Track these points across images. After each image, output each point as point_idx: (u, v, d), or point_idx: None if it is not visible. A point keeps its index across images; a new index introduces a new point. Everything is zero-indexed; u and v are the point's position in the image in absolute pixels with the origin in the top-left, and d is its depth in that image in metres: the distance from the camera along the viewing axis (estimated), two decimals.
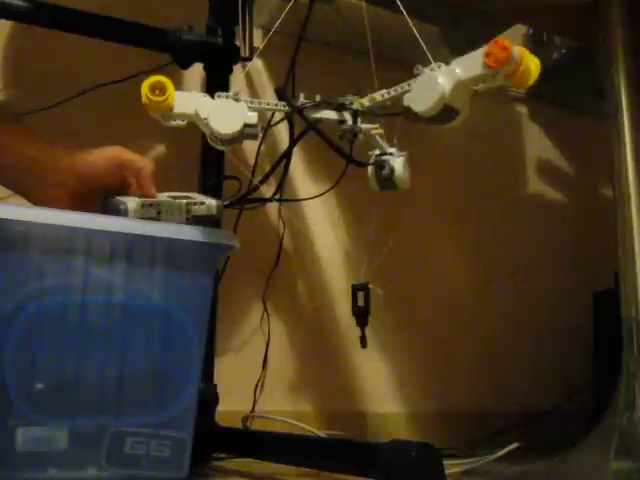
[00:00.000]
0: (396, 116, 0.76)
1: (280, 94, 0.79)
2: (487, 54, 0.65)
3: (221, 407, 1.03)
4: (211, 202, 0.78)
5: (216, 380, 1.05)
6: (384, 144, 0.79)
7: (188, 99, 0.72)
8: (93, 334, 0.67)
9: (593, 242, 1.55)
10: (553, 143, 1.67)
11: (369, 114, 0.79)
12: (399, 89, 0.74)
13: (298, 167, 1.33)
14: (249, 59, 1.08)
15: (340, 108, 0.79)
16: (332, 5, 1.25)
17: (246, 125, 0.72)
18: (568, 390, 1.41)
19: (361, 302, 0.86)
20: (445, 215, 1.50)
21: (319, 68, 1.30)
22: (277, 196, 1.09)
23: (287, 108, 0.78)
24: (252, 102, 0.75)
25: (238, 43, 1.09)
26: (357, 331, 0.90)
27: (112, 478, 0.68)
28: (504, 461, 0.99)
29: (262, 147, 1.20)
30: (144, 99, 0.68)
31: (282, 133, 1.25)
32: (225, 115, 0.71)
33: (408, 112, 0.71)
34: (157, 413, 0.69)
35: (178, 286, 0.71)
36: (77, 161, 0.75)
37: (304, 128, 0.80)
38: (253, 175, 1.12)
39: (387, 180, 0.78)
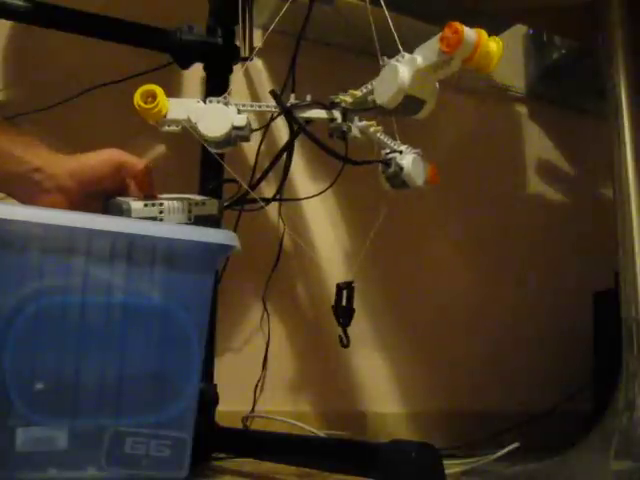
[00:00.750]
0: (370, 111, 0.76)
1: (274, 96, 0.80)
2: (441, 39, 0.64)
3: (221, 407, 1.03)
4: (212, 202, 0.78)
5: (216, 380, 1.05)
6: (392, 142, 0.79)
7: (181, 105, 0.73)
8: (93, 334, 0.67)
9: (593, 242, 1.54)
10: (553, 143, 1.67)
11: (353, 110, 0.79)
12: (374, 83, 0.74)
13: (297, 167, 1.33)
14: (249, 59, 1.08)
15: (330, 107, 0.79)
16: (332, 5, 1.25)
17: (235, 127, 0.72)
18: (568, 390, 1.41)
19: (344, 301, 0.85)
20: (445, 215, 1.50)
21: (319, 68, 1.30)
22: (277, 196, 1.09)
23: (277, 109, 0.78)
24: (243, 105, 0.75)
25: (238, 43, 1.09)
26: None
27: (112, 478, 0.68)
28: (504, 461, 0.99)
29: (262, 147, 1.20)
30: (137, 107, 0.69)
31: (282, 133, 1.25)
32: (213, 119, 0.72)
33: (375, 106, 0.71)
34: (157, 413, 0.69)
35: (178, 286, 0.71)
36: (75, 165, 0.76)
37: (296, 129, 0.80)
38: (253, 175, 1.12)
39: (395, 178, 0.77)
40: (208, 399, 1.01)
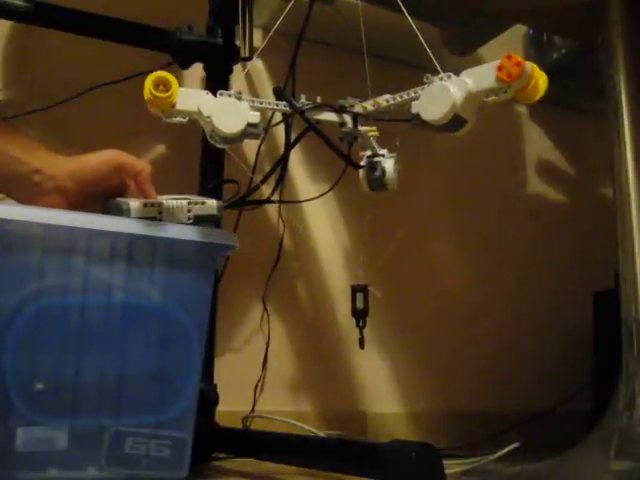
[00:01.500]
0: (404, 122, 0.77)
1: (278, 94, 0.79)
2: (500, 68, 0.67)
3: (221, 407, 1.03)
4: (211, 202, 0.78)
5: (216, 380, 1.05)
6: (376, 145, 0.80)
7: (191, 96, 0.71)
8: (93, 334, 0.67)
9: (593, 242, 1.54)
10: (553, 143, 1.67)
11: (371, 118, 0.79)
12: (405, 96, 0.75)
13: (298, 167, 1.33)
14: (249, 59, 1.08)
15: (342, 111, 0.79)
16: (332, 5, 1.25)
17: (249, 124, 0.72)
18: (568, 390, 1.41)
19: (360, 304, 0.86)
20: (445, 215, 1.50)
21: (319, 68, 1.30)
22: (276, 197, 1.09)
23: (288, 108, 0.78)
24: (254, 101, 0.75)
25: (238, 43, 1.09)
26: (357, 331, 0.90)
27: (112, 478, 0.68)
28: (504, 461, 0.99)
29: (262, 147, 1.20)
30: (147, 94, 0.67)
31: (282, 132, 1.25)
32: (228, 114, 0.71)
33: (416, 119, 0.72)
34: (157, 413, 0.69)
35: (178, 286, 0.71)
36: (75, 167, 0.76)
37: (303, 129, 0.80)
38: (254, 174, 1.11)
39: (377, 181, 0.78)
40: (208, 399, 1.01)
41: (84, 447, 0.66)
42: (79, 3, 1.01)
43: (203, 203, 0.77)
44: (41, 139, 0.77)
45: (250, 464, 0.97)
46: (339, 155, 0.78)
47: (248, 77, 1.31)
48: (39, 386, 0.64)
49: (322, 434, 1.12)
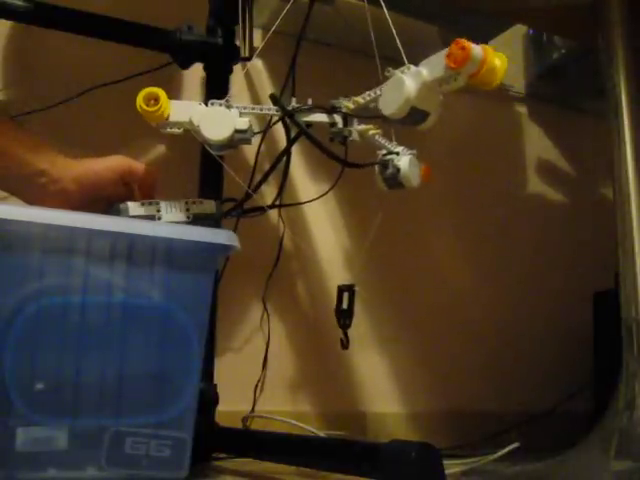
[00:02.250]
0: (373, 118, 0.77)
1: (274, 99, 0.80)
2: (448, 55, 0.65)
3: (221, 407, 1.03)
4: (210, 201, 0.78)
5: (216, 380, 1.05)
6: (389, 143, 0.79)
7: (183, 107, 0.73)
8: (93, 334, 0.67)
9: (593, 242, 1.54)
10: (553, 143, 1.67)
11: (355, 116, 0.79)
12: (378, 92, 0.75)
13: (298, 167, 1.33)
14: (249, 59, 1.08)
15: (331, 111, 0.79)
16: (332, 5, 1.25)
17: (237, 131, 0.73)
18: (568, 390, 1.41)
19: (345, 304, 0.86)
20: (444, 215, 1.50)
21: (319, 68, 1.30)
22: (277, 201, 1.09)
23: (279, 112, 0.78)
24: (245, 108, 0.76)
25: (238, 43, 1.09)
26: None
27: (112, 478, 0.68)
28: (504, 461, 0.99)
29: (262, 149, 1.20)
30: (140, 110, 0.70)
31: (282, 134, 1.25)
32: (215, 122, 0.72)
33: (382, 115, 0.72)
34: (157, 413, 0.69)
35: (178, 286, 0.71)
36: (80, 170, 0.76)
37: (297, 132, 0.81)
38: (253, 177, 1.12)
39: (392, 179, 0.78)
40: (208, 399, 1.01)
41: (84, 447, 0.66)
42: (79, 3, 1.01)
43: (201, 202, 0.78)
44: (45, 139, 0.77)
45: (250, 464, 0.96)
46: (329, 156, 0.78)
47: (248, 77, 1.31)
48: (39, 386, 0.64)
49: (322, 434, 1.12)
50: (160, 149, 1.22)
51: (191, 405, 0.71)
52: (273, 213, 1.29)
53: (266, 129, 0.95)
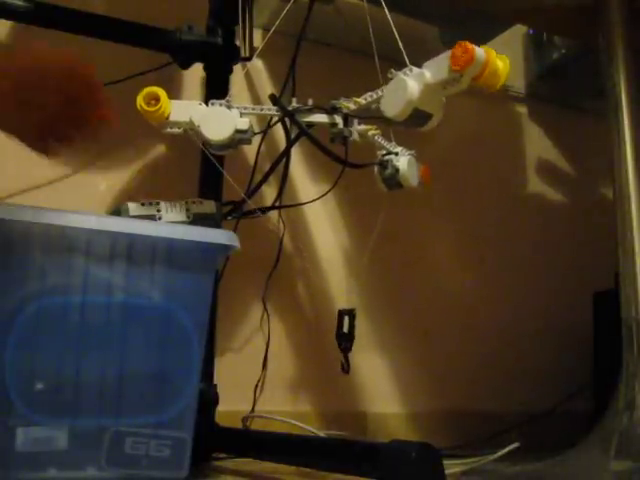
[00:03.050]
0: (374, 119, 0.77)
1: (273, 100, 0.80)
2: (451, 57, 0.65)
3: (221, 407, 1.03)
4: (209, 201, 0.78)
5: (216, 380, 1.05)
6: (388, 144, 0.80)
7: (183, 107, 0.73)
8: (93, 334, 0.67)
9: (593, 242, 1.54)
10: (553, 143, 1.67)
11: (355, 117, 0.79)
12: (379, 92, 0.75)
13: (298, 168, 1.33)
14: (249, 59, 1.08)
15: (332, 111, 0.79)
16: (332, 5, 1.25)
17: (237, 131, 0.73)
18: (568, 390, 1.41)
19: (346, 328, 0.86)
20: (444, 215, 1.50)
21: (319, 68, 1.30)
22: (277, 202, 1.09)
23: (280, 113, 0.78)
24: (245, 108, 0.76)
25: (238, 43, 1.09)
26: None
27: (112, 478, 0.68)
28: (504, 461, 0.99)
29: (262, 149, 1.20)
30: (140, 109, 0.70)
31: (282, 135, 1.25)
32: (216, 122, 0.72)
33: (384, 116, 0.72)
34: (157, 413, 0.70)
35: (178, 286, 0.71)
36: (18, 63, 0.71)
37: (297, 133, 0.81)
38: (252, 177, 1.12)
39: (391, 180, 0.78)
40: (208, 399, 1.00)
41: (84, 447, 0.66)
42: (79, 3, 1.01)
43: (201, 202, 0.78)
44: None
45: (250, 464, 0.96)
46: (329, 156, 0.79)
47: (248, 77, 1.31)
48: (39, 386, 0.64)
49: (322, 434, 1.12)
50: (160, 149, 1.22)
51: (191, 405, 0.71)
52: (273, 213, 1.29)
53: (266, 129, 0.96)
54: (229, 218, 0.88)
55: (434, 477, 0.69)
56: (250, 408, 1.22)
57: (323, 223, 1.36)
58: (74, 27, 1.02)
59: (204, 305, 0.73)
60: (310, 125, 0.80)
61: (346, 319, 0.85)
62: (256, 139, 1.16)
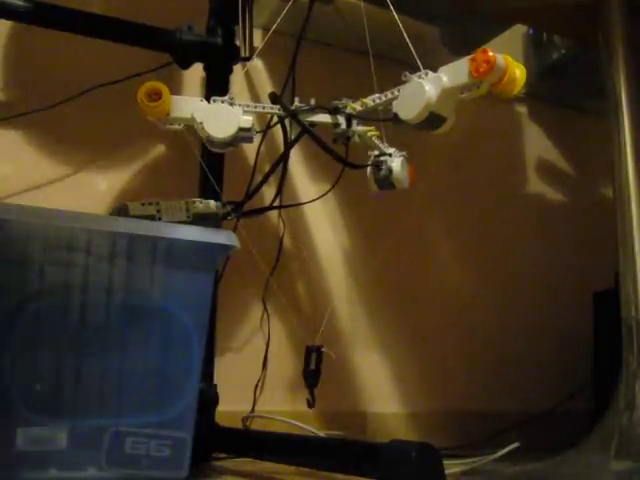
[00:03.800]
0: (385, 121, 0.77)
1: (273, 98, 0.80)
2: (472, 64, 0.65)
3: (221, 407, 1.03)
4: (210, 201, 0.78)
5: (216, 380, 1.05)
6: (382, 145, 0.80)
7: (185, 103, 0.73)
8: (93, 334, 0.67)
9: (593, 242, 1.54)
10: (553, 143, 1.67)
11: (362, 118, 0.80)
12: (389, 94, 0.75)
13: (298, 167, 1.33)
14: (249, 59, 1.08)
15: (334, 112, 0.79)
16: (332, 5, 1.25)
17: (241, 129, 0.73)
18: (568, 390, 1.41)
19: (312, 365, 0.87)
20: (444, 215, 1.50)
21: (319, 68, 1.30)
22: (277, 202, 1.09)
23: (282, 112, 0.78)
24: (248, 106, 0.76)
25: (238, 43, 1.09)
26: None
27: (112, 478, 0.68)
28: (504, 461, 0.99)
29: (262, 148, 1.20)
30: (140, 104, 0.70)
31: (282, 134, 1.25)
32: (220, 119, 0.72)
33: (397, 118, 0.72)
34: (157, 413, 0.69)
35: (178, 286, 0.71)
36: None
37: (299, 132, 0.81)
38: (253, 176, 1.12)
39: (385, 180, 0.78)
40: (208, 399, 1.00)
41: (84, 447, 0.66)
42: (79, 3, 1.01)
43: (201, 202, 0.78)
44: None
45: (250, 464, 0.96)
46: (332, 156, 0.79)
47: (248, 77, 1.31)
48: (39, 386, 0.64)
49: (322, 434, 1.12)
50: (160, 149, 1.22)
51: (191, 405, 0.71)
52: (273, 213, 1.29)
53: (266, 129, 0.95)
54: (229, 218, 0.88)
55: (434, 477, 0.69)
56: (250, 408, 1.22)
57: (323, 223, 1.36)
58: (74, 27, 1.02)
59: (204, 305, 0.73)
60: (312, 125, 0.80)
61: (313, 356, 0.86)
62: (256, 139, 1.16)
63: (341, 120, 0.80)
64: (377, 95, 0.77)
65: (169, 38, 1.05)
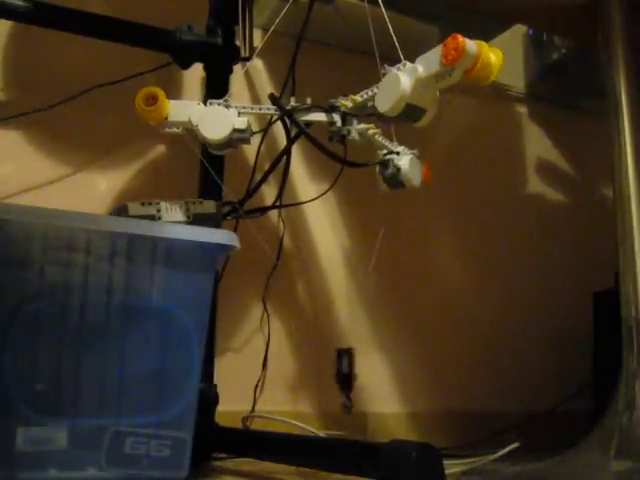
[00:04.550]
0: (370, 116, 0.77)
1: (272, 99, 0.80)
2: (443, 50, 0.65)
3: (221, 407, 1.03)
4: (209, 201, 0.78)
5: (216, 380, 1.05)
6: (390, 143, 0.79)
7: (182, 107, 0.73)
8: (93, 334, 0.67)
9: (593, 242, 1.54)
10: (553, 143, 1.67)
11: (352, 115, 0.79)
12: (375, 89, 0.75)
13: (298, 167, 1.33)
14: (249, 59, 1.08)
15: (330, 110, 0.79)
16: (332, 5, 1.25)
17: (236, 130, 0.73)
18: (568, 390, 1.41)
19: (346, 369, 0.86)
20: (444, 216, 1.50)
21: (319, 68, 1.30)
22: (277, 201, 1.09)
23: (278, 112, 0.79)
24: (244, 107, 0.76)
25: (238, 43, 1.09)
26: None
27: (112, 478, 0.68)
28: (504, 461, 0.99)
29: (262, 148, 1.20)
30: (138, 109, 0.70)
31: (282, 134, 1.25)
32: (214, 121, 0.73)
33: (379, 112, 0.72)
34: (157, 413, 0.69)
35: (178, 286, 0.71)
36: None
37: (296, 132, 0.81)
38: (253, 176, 1.12)
39: (393, 179, 0.78)
40: (208, 399, 1.00)
41: (84, 447, 0.66)
42: (79, 3, 1.01)
43: (201, 202, 0.78)
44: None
45: (250, 464, 0.97)
46: (328, 155, 0.78)
47: (248, 77, 1.31)
48: (39, 386, 0.64)
49: (322, 434, 1.12)
50: (160, 149, 1.22)
51: (191, 405, 0.71)
52: (273, 213, 1.29)
53: (266, 128, 0.95)
54: (229, 218, 0.88)
55: (434, 477, 0.69)
56: (250, 408, 1.22)
57: (323, 222, 1.36)
58: (74, 27, 1.02)
59: (204, 305, 0.73)
60: (308, 124, 0.80)
61: (345, 358, 0.86)
62: (256, 139, 1.16)
63: (337, 118, 0.80)
64: (365, 91, 0.77)
65: (169, 38, 1.06)
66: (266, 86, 1.32)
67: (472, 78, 0.66)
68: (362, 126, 0.80)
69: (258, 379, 1.25)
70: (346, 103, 0.79)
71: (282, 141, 1.28)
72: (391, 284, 1.40)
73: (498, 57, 0.65)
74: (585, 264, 1.56)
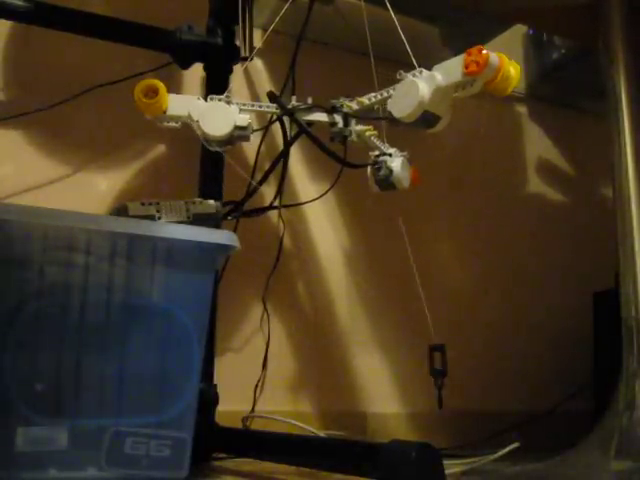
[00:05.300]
0: (380, 120, 0.77)
1: (272, 97, 0.80)
2: (466, 61, 0.65)
3: (221, 407, 1.03)
4: (210, 201, 0.78)
5: (216, 380, 1.05)
6: (382, 145, 0.80)
7: (182, 101, 0.73)
8: (93, 334, 0.67)
9: (593, 242, 1.54)
10: (553, 143, 1.67)
11: (360, 117, 0.80)
12: (385, 93, 0.75)
13: (297, 167, 1.33)
14: (249, 59, 1.08)
15: (331, 111, 0.79)
16: (332, 5, 1.25)
17: (237, 127, 0.73)
18: (568, 390, 1.41)
19: (438, 364, 0.87)
20: (444, 215, 1.50)
21: (319, 68, 1.30)
22: (276, 200, 1.09)
23: (279, 111, 0.78)
24: (244, 104, 0.76)
25: (238, 43, 1.09)
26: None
27: (112, 478, 0.68)
28: (504, 461, 0.99)
29: (262, 148, 1.20)
30: (137, 102, 0.70)
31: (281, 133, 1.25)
32: (216, 117, 0.72)
33: (392, 117, 0.72)
34: (157, 413, 0.69)
35: (178, 286, 0.71)
36: None
37: (297, 131, 0.81)
38: (253, 174, 1.12)
39: (385, 181, 0.78)
40: (208, 399, 1.00)
41: (84, 447, 0.66)
42: (79, 3, 1.01)
43: (201, 202, 0.78)
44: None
45: (250, 464, 0.96)
46: (329, 155, 0.79)
47: (248, 77, 1.31)
48: (39, 386, 0.64)
49: (322, 434, 1.12)
50: (160, 149, 1.22)
51: (191, 405, 0.71)
52: (273, 213, 1.29)
53: (266, 127, 0.95)
54: (229, 218, 0.88)
55: (434, 477, 0.69)
56: (250, 408, 1.22)
57: (323, 222, 1.36)
58: (74, 27, 1.02)
59: (204, 305, 0.73)
60: (309, 124, 0.80)
61: (438, 354, 0.86)
62: (257, 139, 1.16)
63: (338, 119, 0.80)
64: (373, 94, 0.77)
65: (169, 38, 1.06)
66: (266, 86, 1.32)
67: (491, 89, 0.67)
68: (360, 127, 0.80)
69: (258, 379, 1.25)
70: (351, 105, 0.79)
71: (282, 141, 1.28)
72: (391, 284, 1.39)
73: (517, 70, 0.67)
74: (585, 264, 1.56)
